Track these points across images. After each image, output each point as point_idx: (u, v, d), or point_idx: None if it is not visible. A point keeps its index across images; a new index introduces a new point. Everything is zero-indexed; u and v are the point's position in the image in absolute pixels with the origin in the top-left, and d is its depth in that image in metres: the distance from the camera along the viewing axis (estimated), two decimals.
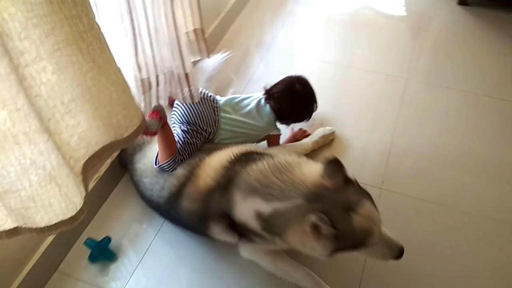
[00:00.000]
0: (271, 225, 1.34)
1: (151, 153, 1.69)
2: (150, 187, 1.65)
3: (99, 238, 1.65)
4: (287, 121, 1.88)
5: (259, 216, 1.34)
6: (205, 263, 1.64)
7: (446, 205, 1.78)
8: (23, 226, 0.94)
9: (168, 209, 1.63)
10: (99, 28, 0.93)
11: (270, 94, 1.84)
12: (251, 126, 1.79)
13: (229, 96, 1.87)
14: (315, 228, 1.19)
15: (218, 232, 1.52)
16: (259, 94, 1.88)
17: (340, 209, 1.23)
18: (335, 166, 1.27)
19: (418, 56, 2.47)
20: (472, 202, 1.79)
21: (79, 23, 0.84)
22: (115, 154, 1.83)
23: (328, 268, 1.57)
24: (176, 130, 1.70)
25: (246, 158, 1.50)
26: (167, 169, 1.61)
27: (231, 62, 2.43)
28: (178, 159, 1.60)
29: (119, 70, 1.08)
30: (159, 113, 1.55)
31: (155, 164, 1.63)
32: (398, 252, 1.32)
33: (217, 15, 2.52)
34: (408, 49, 2.52)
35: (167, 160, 1.59)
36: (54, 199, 0.90)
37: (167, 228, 1.73)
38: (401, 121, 2.12)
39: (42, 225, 0.93)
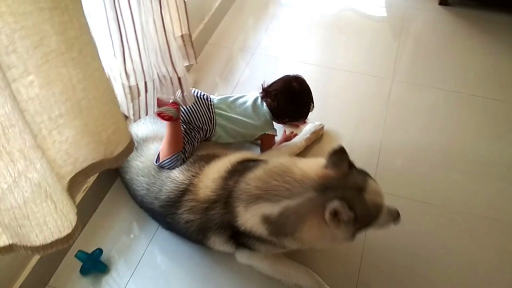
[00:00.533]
0: (281, 226, 1.33)
1: (149, 151, 1.67)
2: (146, 187, 1.62)
3: (90, 250, 1.61)
4: (283, 119, 1.88)
5: (266, 219, 1.34)
6: (199, 271, 1.62)
7: (437, 204, 1.80)
8: (18, 244, 0.91)
9: (163, 213, 1.58)
10: (90, 33, 0.90)
11: (267, 92, 1.83)
12: (248, 124, 1.78)
13: (223, 96, 1.86)
14: (334, 215, 1.23)
15: (218, 243, 1.51)
16: (253, 93, 1.87)
17: (353, 193, 1.28)
18: (340, 154, 1.32)
19: (402, 56, 2.50)
20: (463, 200, 1.81)
21: (70, 29, 0.81)
22: None
23: (325, 268, 1.59)
24: None
25: (242, 167, 1.50)
26: (167, 166, 1.59)
27: (216, 67, 2.43)
28: (180, 157, 1.59)
29: (108, 79, 1.05)
30: (176, 104, 1.57)
31: (156, 162, 1.61)
32: (397, 215, 1.42)
33: (201, 20, 2.50)
34: (392, 49, 2.54)
35: (170, 156, 1.57)
36: (49, 217, 0.87)
37: (160, 236, 1.71)
38: (389, 121, 2.13)
39: (37, 243, 0.90)
